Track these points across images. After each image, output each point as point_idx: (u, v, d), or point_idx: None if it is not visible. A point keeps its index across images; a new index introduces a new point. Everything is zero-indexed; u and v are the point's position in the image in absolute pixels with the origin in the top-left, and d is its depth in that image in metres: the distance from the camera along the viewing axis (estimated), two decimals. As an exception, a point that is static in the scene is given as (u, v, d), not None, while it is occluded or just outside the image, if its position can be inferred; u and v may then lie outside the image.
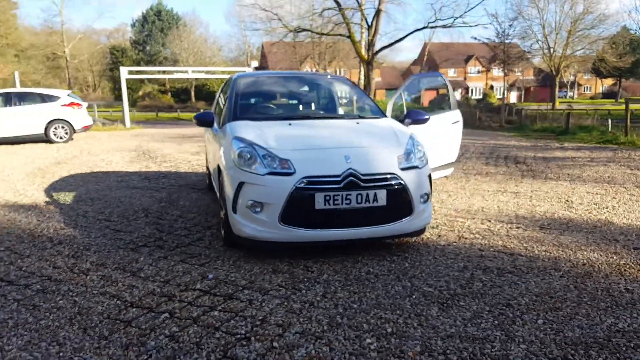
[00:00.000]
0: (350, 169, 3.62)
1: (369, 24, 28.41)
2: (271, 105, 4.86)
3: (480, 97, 56.61)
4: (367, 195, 3.63)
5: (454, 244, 4.29)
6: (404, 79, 54.24)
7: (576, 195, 6.27)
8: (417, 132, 5.01)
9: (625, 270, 3.65)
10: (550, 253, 4.04)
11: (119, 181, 7.37)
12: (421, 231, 4.15)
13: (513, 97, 62.42)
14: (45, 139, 13.22)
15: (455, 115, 6.02)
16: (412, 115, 5.07)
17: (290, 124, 4.30)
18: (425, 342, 2.58)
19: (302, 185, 3.54)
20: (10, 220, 5.06)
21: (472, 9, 42.68)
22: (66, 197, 6.16)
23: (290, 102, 5.38)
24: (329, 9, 29.50)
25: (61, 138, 13.39)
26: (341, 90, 5.54)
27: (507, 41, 26.86)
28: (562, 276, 3.52)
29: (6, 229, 4.76)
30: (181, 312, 2.92)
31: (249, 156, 3.73)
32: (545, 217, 5.21)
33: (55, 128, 13.33)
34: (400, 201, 3.78)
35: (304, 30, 30.20)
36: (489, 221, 5.02)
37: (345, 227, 3.68)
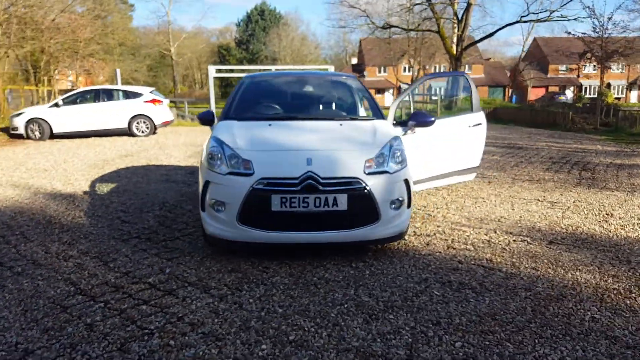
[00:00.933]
0: (309, 171, 3.57)
1: (459, 18, 27.26)
2: (265, 106, 4.91)
3: (594, 95, 51.74)
4: (327, 199, 3.55)
5: (437, 254, 4.06)
6: (511, 75, 51.06)
7: (622, 209, 5.59)
8: (427, 136, 4.79)
9: (608, 296, 3.22)
10: (536, 271, 3.67)
11: (162, 175, 7.86)
12: (394, 238, 3.97)
13: (634, 96, 56.27)
14: (128, 132, 14.42)
15: (477, 117, 5.62)
16: (416, 117, 4.87)
17: (270, 125, 4.32)
18: (317, 353, 2.50)
19: (259, 186, 3.56)
20: (42, 207, 5.65)
21: (570, 1, 38.97)
22: (104, 188, 6.71)
23: (287, 102, 5.39)
24: (418, 3, 28.78)
25: (142, 132, 14.53)
26: (346, 90, 5.44)
27: (605, 35, 24.15)
28: (527, 297, 3.19)
29: (33, 214, 5.33)
30: (115, 303, 3.09)
31: (218, 155, 3.82)
32: (565, 230, 4.72)
33: (138, 123, 14.49)
34: (363, 207, 3.65)
35: (391, 26, 29.74)
36: (495, 232, 4.66)
37: (304, 231, 3.64)
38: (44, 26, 20.53)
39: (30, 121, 13.82)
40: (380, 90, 52.38)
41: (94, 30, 23.57)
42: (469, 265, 3.80)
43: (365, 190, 3.63)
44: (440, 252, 4.10)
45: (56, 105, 14.09)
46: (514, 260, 3.91)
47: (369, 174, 3.69)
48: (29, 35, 19.01)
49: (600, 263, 3.84)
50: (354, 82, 5.36)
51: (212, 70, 22.25)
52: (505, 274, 3.61)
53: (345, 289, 3.33)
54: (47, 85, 23.83)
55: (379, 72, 53.53)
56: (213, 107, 22.12)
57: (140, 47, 43.81)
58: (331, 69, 21.70)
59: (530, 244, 4.33)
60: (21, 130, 13.80)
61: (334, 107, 5.24)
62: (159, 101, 14.94)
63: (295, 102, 5.25)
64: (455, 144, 5.48)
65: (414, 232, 4.68)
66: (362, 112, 5.02)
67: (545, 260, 3.89)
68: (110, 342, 2.61)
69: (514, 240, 4.42)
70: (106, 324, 2.82)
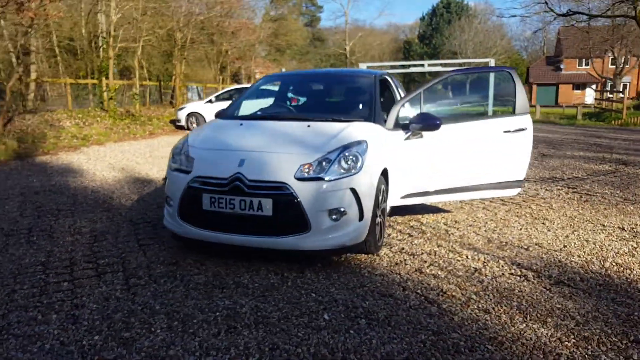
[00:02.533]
0: (238, 173, 3.52)
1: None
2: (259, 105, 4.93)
3: None
4: (252, 202, 3.46)
5: (391, 275, 3.60)
6: None
7: None
8: (441, 141, 4.31)
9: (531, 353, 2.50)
10: (484, 314, 3.01)
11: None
12: (338, 252, 3.65)
13: None
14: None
15: (518, 121, 4.69)
16: (420, 119, 4.35)
17: (241, 124, 4.33)
18: (129, 352, 2.50)
19: (194, 184, 3.63)
20: (113, 186, 6.57)
21: None
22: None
23: (285, 102, 5.25)
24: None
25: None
26: (354, 90, 5.08)
27: None
28: (422, 342, 2.66)
29: (92, 193, 6.24)
30: (48, 277, 3.51)
31: (177, 151, 4.00)
32: (597, 270, 3.73)
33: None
34: (290, 214, 3.45)
35: (575, 13, 26.17)
36: (499, 261, 3.91)
37: (234, 233, 3.59)
38: (229, 30, 23.29)
39: (190, 115, 15.92)
40: (580, 86, 46.41)
41: (266, 33, 25.83)
42: (411, 293, 3.29)
43: (292, 197, 3.42)
44: (397, 275, 3.62)
45: (210, 101, 15.96)
46: (475, 297, 3.25)
47: (300, 179, 3.45)
48: (214, 39, 21.73)
49: (589, 314, 2.96)
50: (369, 80, 4.96)
51: (363, 67, 22.53)
52: (438, 310, 3.05)
53: (245, 297, 3.20)
54: (230, 83, 27.02)
55: (579, 64, 47.34)
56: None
57: (315, 47, 46.55)
58: (492, 62, 20.05)
59: (525, 281, 3.54)
60: (183, 122, 16.00)
61: (328, 108, 4.98)
62: (295, 100, 15.77)
63: (297, 103, 5.14)
64: (485, 152, 4.69)
65: (402, 248, 4.21)
66: (359, 112, 4.63)
67: (518, 305, 3.14)
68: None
69: (512, 274, 3.66)
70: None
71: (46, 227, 4.76)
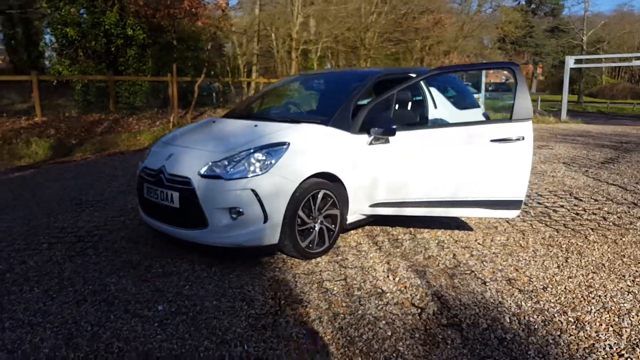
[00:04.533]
0: (163, 166, 3.90)
1: None
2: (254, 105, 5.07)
3: None
4: (167, 194, 3.81)
5: (286, 282, 3.53)
6: None
7: None
8: (413, 148, 4.03)
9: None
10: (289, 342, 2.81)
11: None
12: (246, 250, 3.68)
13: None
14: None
15: (514, 129, 3.73)
16: (379, 124, 4.02)
17: (214, 122, 4.61)
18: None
19: (141, 174, 4.16)
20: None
21: None
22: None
23: (278, 101, 5.17)
24: None
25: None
26: (342, 91, 4.75)
27: None
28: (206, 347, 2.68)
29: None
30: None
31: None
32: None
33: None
34: (191, 209, 3.67)
35: None
36: (414, 289, 3.42)
37: (159, 221, 3.99)
38: (425, 26, 23.16)
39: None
40: None
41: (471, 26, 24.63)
42: (269, 300, 3.21)
43: (193, 193, 3.63)
44: (288, 283, 3.52)
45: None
46: (319, 318, 3.00)
47: (204, 176, 3.63)
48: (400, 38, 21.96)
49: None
50: (358, 82, 4.63)
51: (571, 61, 19.74)
52: (254, 321, 2.93)
53: (133, 278, 3.60)
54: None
55: None
56: (565, 101, 19.72)
57: (555, 38, 41.71)
58: None
59: (415, 324, 3.06)
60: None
61: (304, 108, 4.81)
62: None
63: (283, 102, 5.13)
64: (467, 163, 3.95)
65: (344, 259, 3.98)
66: (322, 114, 4.39)
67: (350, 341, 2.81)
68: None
69: (408, 307, 3.19)
70: None
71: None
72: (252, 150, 3.67)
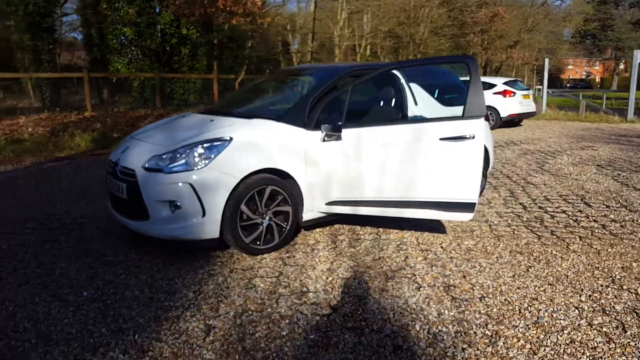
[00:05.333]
0: (118, 159, 4.06)
1: None
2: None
3: None
4: (119, 186, 3.96)
5: (213, 276, 3.56)
6: None
7: None
8: (364, 145, 3.98)
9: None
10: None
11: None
12: (189, 245, 3.75)
13: None
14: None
15: (464, 127, 3.46)
16: (328, 120, 3.94)
17: (183, 116, 4.71)
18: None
19: (108, 167, 4.34)
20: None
21: None
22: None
23: (254, 98, 5.13)
24: None
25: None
26: (305, 86, 4.66)
27: None
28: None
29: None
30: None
31: None
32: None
33: (484, 114, 14.32)
34: (135, 200, 3.79)
35: None
36: (327, 292, 3.32)
37: (118, 212, 4.15)
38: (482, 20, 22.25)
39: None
40: None
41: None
42: (188, 292, 3.25)
43: (136, 185, 3.75)
44: (213, 276, 3.54)
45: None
46: (198, 304, 3.00)
47: (147, 169, 3.73)
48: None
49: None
50: (324, 77, 4.51)
51: (639, 55, 18.12)
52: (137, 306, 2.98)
53: (86, 262, 3.79)
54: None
55: None
56: (632, 98, 18.16)
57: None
58: None
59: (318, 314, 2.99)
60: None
61: (269, 104, 4.77)
62: (510, 92, 14.17)
63: (255, 98, 5.10)
64: (417, 162, 3.74)
65: (291, 257, 3.95)
66: (276, 109, 4.35)
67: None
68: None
69: (310, 309, 3.12)
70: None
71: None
72: (193, 145, 3.73)
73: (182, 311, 3.03)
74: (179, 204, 3.62)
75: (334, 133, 3.92)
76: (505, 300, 3.19)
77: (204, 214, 3.64)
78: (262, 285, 3.41)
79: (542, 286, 3.39)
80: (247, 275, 3.58)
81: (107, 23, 17.53)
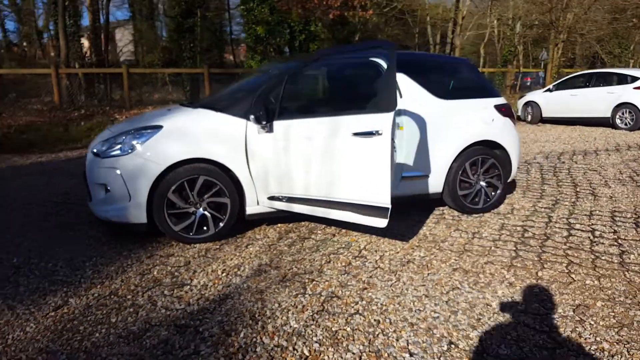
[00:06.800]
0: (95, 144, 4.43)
1: None
2: None
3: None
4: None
5: (120, 261, 3.72)
6: None
7: None
8: (290, 138, 3.89)
9: None
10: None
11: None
12: (125, 227, 3.94)
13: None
14: (609, 123, 12.33)
15: (372, 122, 2.92)
16: (257, 112, 3.84)
17: (169, 109, 4.87)
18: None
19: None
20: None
21: None
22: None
23: (228, 89, 5.02)
24: None
25: (626, 125, 12.06)
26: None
27: None
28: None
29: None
30: None
31: None
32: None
33: (622, 113, 12.11)
34: (84, 181, 4.13)
35: None
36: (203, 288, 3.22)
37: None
38: None
39: (526, 104, 14.59)
40: None
41: None
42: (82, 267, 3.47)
43: (86, 167, 4.08)
44: (115, 261, 3.69)
45: (549, 90, 14.07)
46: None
47: (93, 154, 4.02)
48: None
49: None
50: (276, 72, 4.28)
51: None
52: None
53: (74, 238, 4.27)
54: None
55: None
56: None
57: None
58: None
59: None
60: (519, 112, 14.83)
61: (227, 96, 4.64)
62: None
63: (228, 89, 5.04)
64: (332, 158, 3.34)
65: (218, 248, 3.93)
66: (227, 101, 4.21)
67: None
68: None
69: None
70: None
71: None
72: (127, 133, 3.91)
73: (60, 286, 3.23)
74: (109, 187, 3.85)
75: (257, 124, 3.76)
76: (374, 320, 2.75)
77: (130, 199, 3.80)
78: (155, 273, 3.45)
79: (437, 314, 2.84)
80: (155, 263, 3.64)
81: (242, 23, 19.00)
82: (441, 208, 4.97)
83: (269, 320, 2.77)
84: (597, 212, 4.83)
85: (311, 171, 3.65)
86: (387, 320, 2.75)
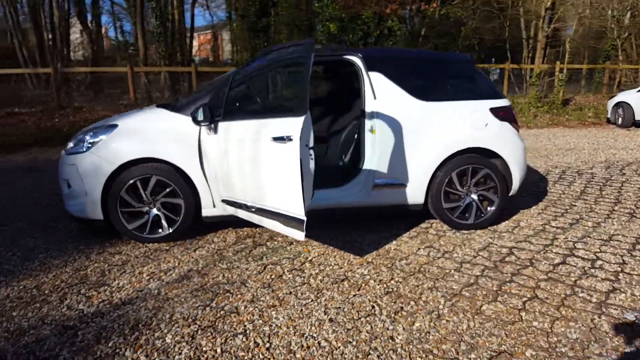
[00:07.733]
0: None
1: None
2: None
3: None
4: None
5: (78, 254, 3.82)
6: None
7: None
8: (227, 140, 3.78)
9: None
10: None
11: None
12: (83, 221, 4.05)
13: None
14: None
15: (285, 126, 2.58)
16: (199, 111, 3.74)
17: None
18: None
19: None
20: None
21: None
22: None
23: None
24: None
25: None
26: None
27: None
28: None
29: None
30: None
31: None
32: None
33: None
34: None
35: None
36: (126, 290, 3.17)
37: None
38: None
39: (617, 105, 13.00)
40: None
41: None
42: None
43: (61, 164, 4.25)
44: (78, 257, 3.77)
45: (643, 89, 12.40)
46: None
47: (66, 150, 4.15)
48: None
49: None
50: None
51: None
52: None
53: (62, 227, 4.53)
54: None
55: None
56: None
57: None
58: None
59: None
60: (608, 114, 13.27)
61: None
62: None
63: (200, 88, 4.85)
64: (256, 163, 3.08)
65: (172, 247, 3.90)
66: (182, 102, 4.10)
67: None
68: None
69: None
70: None
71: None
72: (89, 131, 4.00)
73: (2, 275, 3.38)
74: (70, 183, 3.97)
75: (197, 125, 3.64)
76: (253, 344, 2.52)
77: (87, 195, 3.89)
78: (89, 270, 3.48)
79: (327, 343, 2.53)
80: (98, 258, 3.69)
81: (317, 20, 19.08)
82: (431, 221, 4.50)
83: (148, 332, 2.65)
84: (618, 237, 4.08)
85: (245, 176, 3.46)
86: (267, 345, 2.51)
